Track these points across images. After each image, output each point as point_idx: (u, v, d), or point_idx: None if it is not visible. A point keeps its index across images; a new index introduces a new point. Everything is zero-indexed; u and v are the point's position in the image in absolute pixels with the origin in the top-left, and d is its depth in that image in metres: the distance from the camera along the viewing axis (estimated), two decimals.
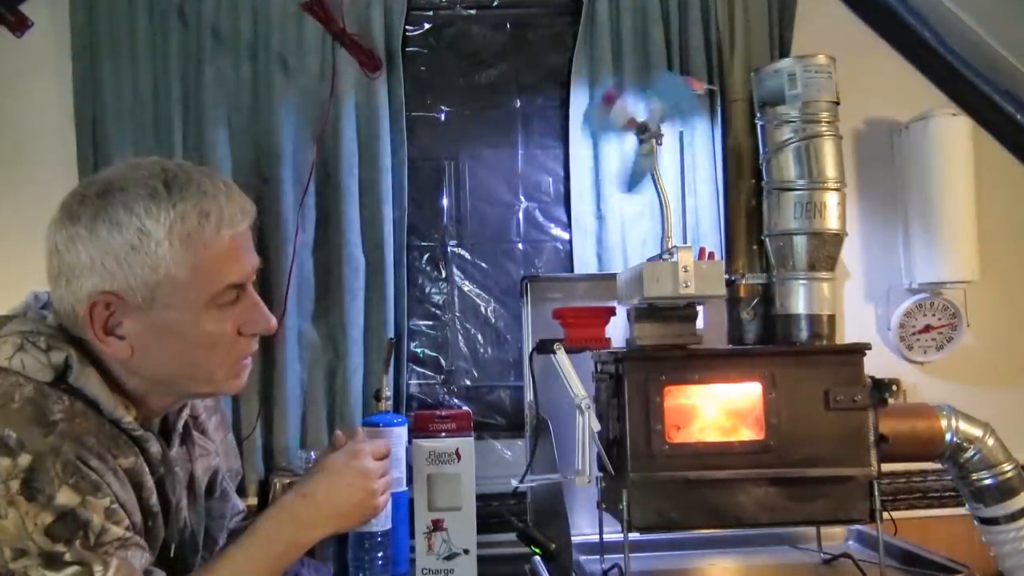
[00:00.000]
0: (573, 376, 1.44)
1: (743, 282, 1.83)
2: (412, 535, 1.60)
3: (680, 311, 1.54)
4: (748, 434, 1.49)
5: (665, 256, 1.54)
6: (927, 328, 1.99)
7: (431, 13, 2.03)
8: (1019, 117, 2.02)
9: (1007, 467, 1.61)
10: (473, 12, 2.04)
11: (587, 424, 1.40)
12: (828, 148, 1.66)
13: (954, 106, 2.00)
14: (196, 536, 1.13)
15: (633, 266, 1.59)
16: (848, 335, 1.96)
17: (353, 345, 1.83)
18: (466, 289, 2.04)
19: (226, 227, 0.99)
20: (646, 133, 1.82)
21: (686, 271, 1.43)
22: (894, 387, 1.50)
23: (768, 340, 1.77)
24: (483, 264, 2.04)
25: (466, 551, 1.58)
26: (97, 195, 0.97)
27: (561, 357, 1.46)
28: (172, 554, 1.07)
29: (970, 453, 1.60)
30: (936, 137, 1.92)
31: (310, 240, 1.86)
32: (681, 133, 1.83)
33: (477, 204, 2.05)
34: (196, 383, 1.03)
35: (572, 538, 1.45)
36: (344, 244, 1.84)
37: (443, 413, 1.65)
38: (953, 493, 1.87)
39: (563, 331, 1.59)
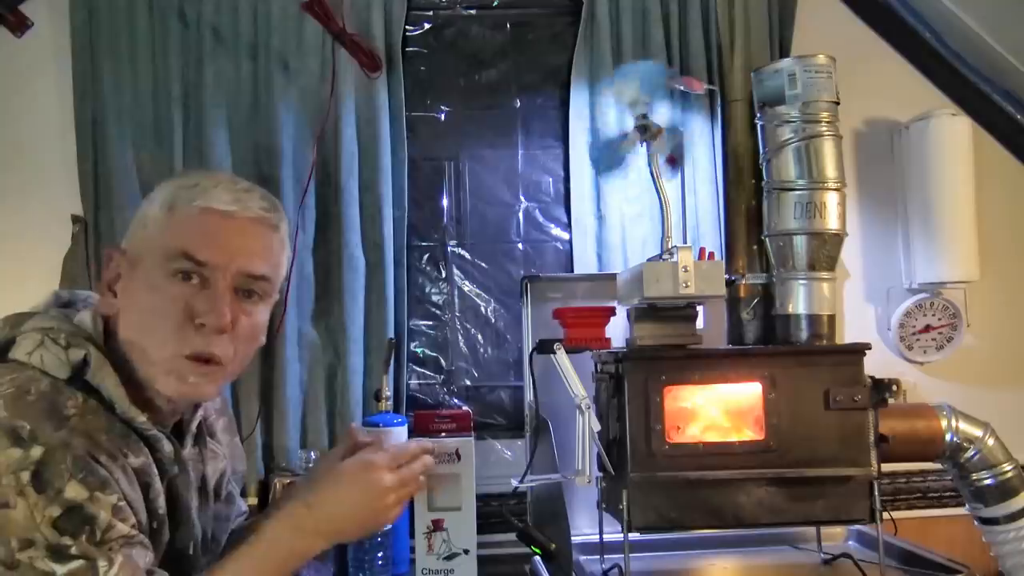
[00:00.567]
0: (573, 376, 1.44)
1: (743, 282, 1.83)
2: (412, 535, 1.60)
3: (680, 311, 1.53)
4: (748, 434, 1.49)
5: (665, 256, 1.54)
6: (927, 328, 1.99)
7: (431, 13, 2.03)
8: (1019, 117, 2.02)
9: (1007, 467, 1.61)
10: (473, 12, 2.04)
11: (587, 424, 1.40)
12: (828, 148, 1.66)
13: (954, 106, 2.00)
14: (207, 537, 1.13)
15: (633, 266, 1.59)
16: (848, 335, 1.96)
17: (353, 345, 1.83)
18: (466, 289, 2.04)
19: (202, 200, 1.02)
20: (647, 132, 1.82)
21: (686, 271, 1.43)
22: (894, 387, 1.50)
23: (768, 340, 1.77)
24: (483, 264, 2.04)
25: (466, 551, 1.58)
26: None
27: (561, 357, 1.46)
28: (191, 552, 1.07)
29: (970, 453, 1.60)
30: (936, 137, 1.92)
31: (310, 240, 1.86)
32: (681, 133, 1.83)
33: (477, 204, 2.05)
34: (143, 362, 1.00)
35: (572, 538, 1.45)
36: (344, 244, 1.84)
37: (443, 413, 1.65)
38: (953, 493, 1.88)
39: (563, 331, 1.59)
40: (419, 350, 2.02)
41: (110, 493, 0.91)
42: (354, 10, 1.88)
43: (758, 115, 1.75)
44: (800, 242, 1.66)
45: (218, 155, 1.80)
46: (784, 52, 1.91)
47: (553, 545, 1.42)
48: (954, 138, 1.93)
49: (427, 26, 2.03)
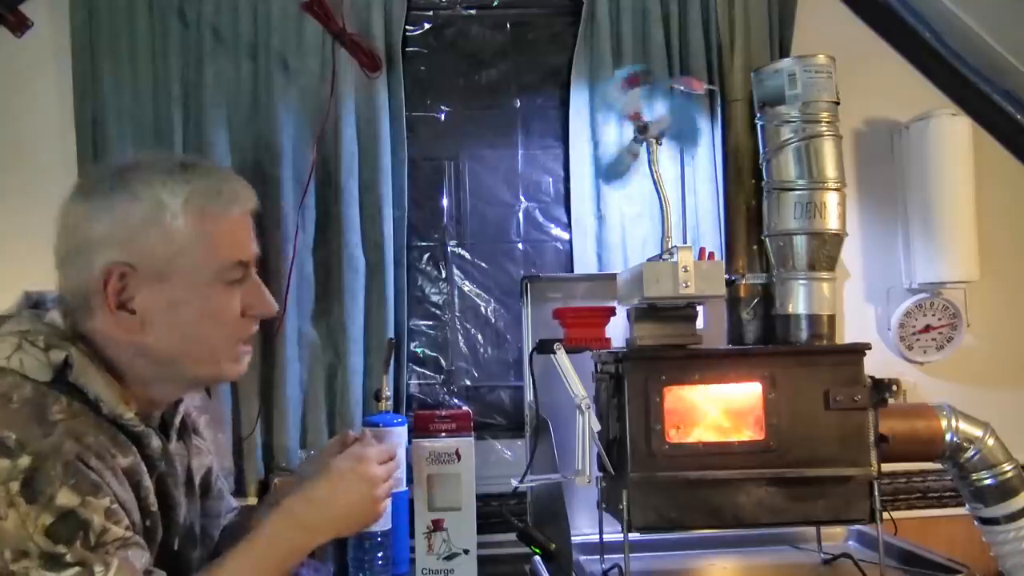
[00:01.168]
0: (573, 376, 1.44)
1: (743, 282, 1.83)
2: (412, 535, 1.60)
3: (680, 311, 1.53)
4: (748, 434, 1.49)
5: (665, 256, 1.54)
6: (927, 328, 1.99)
7: (431, 13, 2.03)
8: (1019, 117, 2.02)
9: (1007, 467, 1.61)
10: (473, 12, 2.04)
11: (587, 424, 1.40)
12: (828, 148, 1.66)
13: (954, 106, 2.00)
14: (194, 531, 1.13)
15: (633, 266, 1.59)
16: (848, 335, 1.96)
17: (353, 345, 1.83)
18: (466, 289, 2.04)
19: (236, 204, 1.04)
20: (645, 133, 1.82)
21: (686, 271, 1.43)
22: (894, 387, 1.50)
23: (768, 340, 1.77)
24: (483, 264, 2.04)
25: (466, 551, 1.58)
26: (113, 175, 1.01)
27: (561, 357, 1.46)
28: (176, 548, 1.07)
29: (970, 453, 1.60)
30: (936, 137, 1.92)
31: (310, 240, 1.86)
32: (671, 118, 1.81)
33: (477, 204, 2.05)
34: (200, 363, 1.04)
35: (572, 538, 1.45)
36: (344, 244, 1.84)
37: (443, 413, 1.65)
38: (953, 493, 1.88)
39: (563, 331, 1.59)
40: (419, 350, 2.02)
41: (102, 497, 0.90)
42: (354, 10, 1.88)
43: (758, 115, 1.76)
44: (800, 242, 1.66)
45: (218, 155, 1.80)
46: (784, 52, 1.91)
47: (553, 545, 1.42)
48: (954, 138, 1.92)
49: (427, 26, 2.03)
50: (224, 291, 1.03)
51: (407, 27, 1.96)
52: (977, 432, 1.60)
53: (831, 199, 1.65)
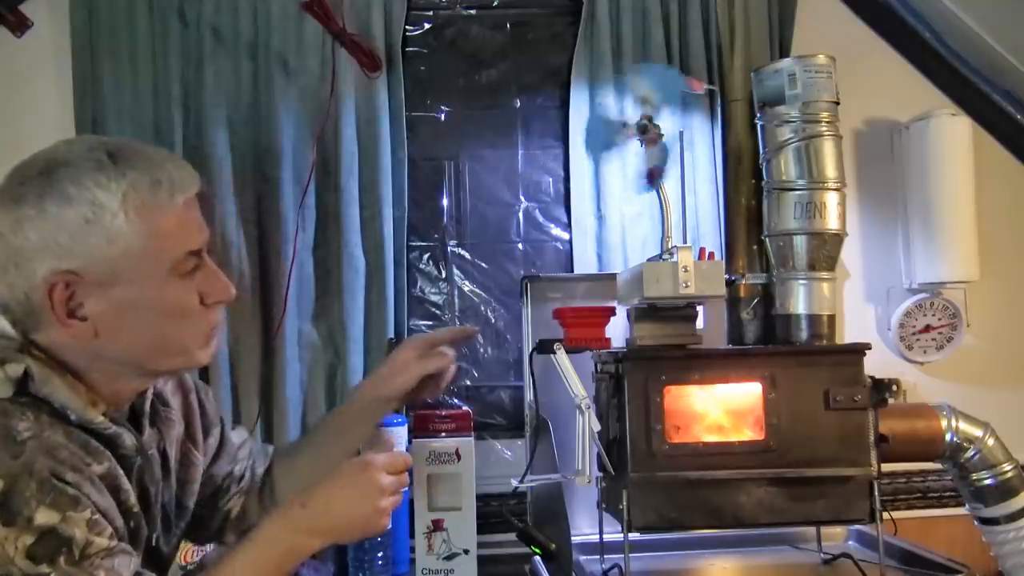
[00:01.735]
0: (573, 376, 1.44)
1: (743, 282, 1.83)
2: (412, 535, 1.60)
3: (680, 311, 1.53)
4: (748, 434, 1.49)
5: (665, 256, 1.54)
6: (927, 328, 1.99)
7: (431, 13, 2.03)
8: (1019, 117, 2.02)
9: (1007, 467, 1.61)
10: (473, 12, 2.04)
11: (587, 424, 1.40)
12: (828, 148, 1.66)
13: (954, 106, 2.00)
14: (169, 513, 1.12)
15: (633, 266, 1.59)
16: (848, 335, 1.96)
17: (353, 345, 1.83)
18: (466, 289, 2.04)
19: (178, 192, 0.98)
20: (646, 132, 1.83)
21: (686, 271, 1.43)
22: (894, 387, 1.50)
23: (768, 340, 1.77)
24: (483, 264, 2.04)
25: (466, 551, 1.58)
26: (39, 174, 0.93)
27: (561, 357, 1.46)
28: (154, 542, 1.06)
29: (970, 453, 1.60)
30: (936, 137, 1.92)
31: (310, 240, 1.85)
32: (681, 133, 1.83)
33: (477, 204, 2.05)
34: (168, 357, 1.01)
35: (572, 538, 1.45)
36: (344, 244, 1.84)
37: (443, 413, 1.65)
38: (953, 493, 1.88)
39: (563, 331, 1.59)
40: None
41: (82, 509, 0.88)
42: (354, 10, 1.88)
43: (758, 115, 1.76)
44: (800, 242, 1.66)
45: (218, 155, 1.80)
46: (784, 52, 1.91)
47: (553, 545, 1.42)
48: (954, 138, 1.92)
49: (427, 26, 2.03)
50: (179, 285, 0.99)
51: (407, 27, 1.96)
52: (977, 432, 1.60)
53: (831, 199, 1.65)
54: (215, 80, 1.83)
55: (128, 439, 1.00)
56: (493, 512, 1.71)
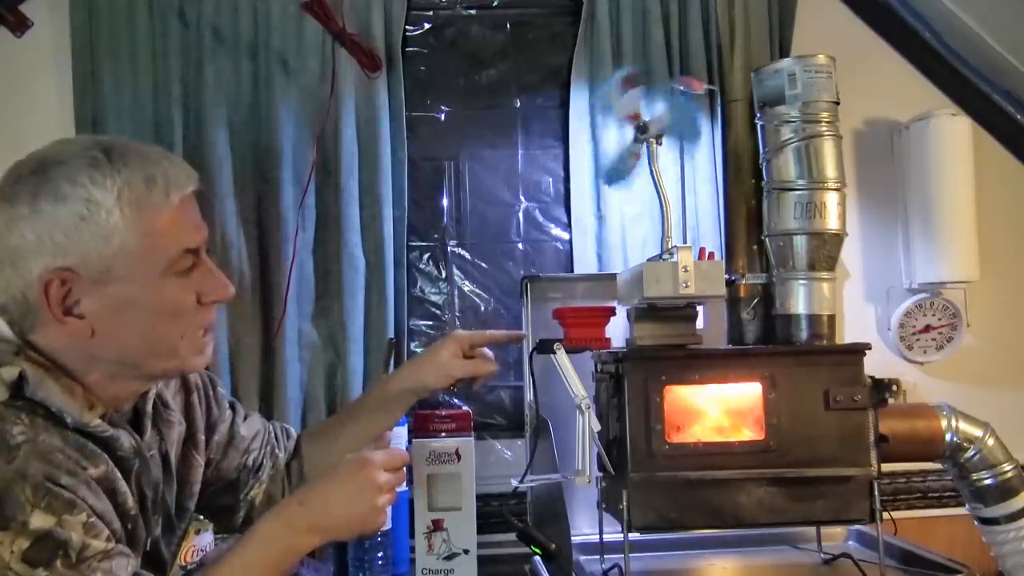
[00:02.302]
0: (573, 376, 1.44)
1: (743, 282, 1.83)
2: (412, 535, 1.60)
3: (680, 311, 1.54)
4: (748, 434, 1.49)
5: (665, 256, 1.54)
6: (927, 328, 1.99)
7: (431, 13, 2.03)
8: (1019, 117, 2.02)
9: (1007, 467, 1.61)
10: (473, 12, 2.04)
11: (587, 424, 1.40)
12: (828, 148, 1.66)
13: (954, 106, 2.00)
14: (171, 514, 1.12)
15: (633, 266, 1.59)
16: (848, 335, 1.96)
17: (353, 345, 1.83)
18: (466, 289, 2.04)
19: (174, 190, 0.98)
20: (645, 134, 1.82)
21: (686, 271, 1.43)
22: (894, 387, 1.50)
23: (768, 340, 1.77)
24: (483, 264, 2.04)
25: (466, 551, 1.58)
26: (33, 172, 0.94)
27: (561, 357, 1.46)
28: (148, 547, 1.06)
29: (970, 453, 1.60)
30: (936, 137, 1.92)
31: (310, 240, 1.85)
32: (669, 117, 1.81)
33: (477, 204, 2.05)
34: (160, 359, 1.00)
35: (572, 538, 1.45)
36: (344, 244, 1.84)
37: (443, 413, 1.65)
38: (953, 493, 1.88)
39: (563, 331, 1.59)
40: (419, 350, 2.01)
41: (78, 513, 0.88)
42: (354, 10, 1.88)
43: (758, 115, 1.75)
44: (800, 242, 1.66)
45: (218, 155, 1.80)
46: (784, 52, 1.91)
47: (553, 545, 1.42)
48: (954, 138, 1.92)
49: (427, 26, 2.03)
50: (175, 283, 0.99)
51: (407, 27, 1.96)
52: (977, 432, 1.60)
53: (831, 199, 1.65)
54: (215, 80, 1.83)
55: (126, 441, 0.99)
56: (493, 512, 1.71)
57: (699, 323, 1.55)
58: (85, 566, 0.87)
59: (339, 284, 1.84)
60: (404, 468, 1.16)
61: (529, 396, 1.72)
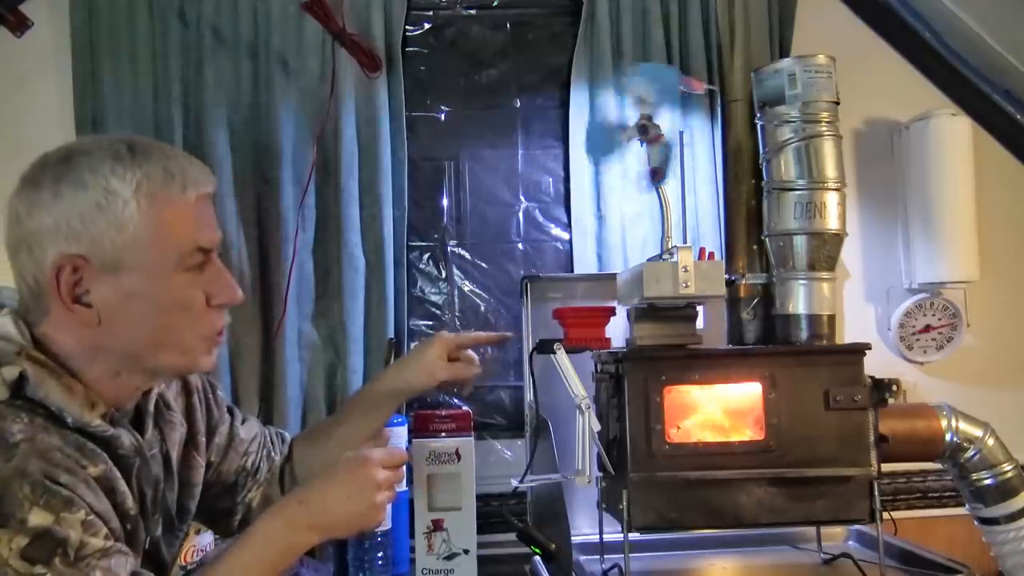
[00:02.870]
0: (573, 376, 1.44)
1: (743, 282, 1.83)
2: (412, 535, 1.60)
3: (680, 311, 1.54)
4: (748, 434, 1.49)
5: (665, 256, 1.54)
6: (927, 328, 1.99)
7: (431, 13, 2.03)
8: (1019, 117, 2.02)
9: (1007, 467, 1.61)
10: (473, 12, 2.04)
11: (587, 424, 1.40)
12: (828, 148, 1.66)
13: (954, 106, 2.00)
14: (171, 515, 1.12)
15: (633, 266, 1.59)
16: (848, 335, 1.96)
17: (353, 345, 1.83)
18: (466, 289, 2.04)
19: (191, 187, 0.99)
20: (647, 133, 1.83)
21: (686, 271, 1.43)
22: (894, 387, 1.50)
23: (768, 340, 1.77)
24: (483, 264, 2.04)
25: (466, 551, 1.58)
26: (59, 161, 0.97)
27: (561, 357, 1.46)
28: (147, 547, 1.06)
29: (970, 453, 1.60)
30: (936, 137, 1.92)
31: (310, 240, 1.85)
32: (681, 133, 1.83)
33: (477, 204, 2.05)
34: (168, 352, 1.00)
35: (572, 538, 1.45)
36: (344, 244, 1.84)
37: (443, 413, 1.65)
38: (953, 493, 1.88)
39: (563, 331, 1.59)
40: None
41: (76, 511, 0.88)
42: (354, 10, 1.88)
43: (758, 115, 1.76)
44: (800, 242, 1.66)
45: (218, 155, 1.80)
46: (784, 52, 1.91)
47: (553, 545, 1.42)
48: (954, 138, 1.93)
49: (427, 26, 2.03)
50: (185, 278, 0.99)
51: (407, 27, 1.96)
52: (977, 432, 1.60)
53: (831, 199, 1.65)
54: (215, 80, 1.83)
55: (127, 440, 1.00)
56: (493, 512, 1.71)
57: (699, 323, 1.56)
58: (83, 564, 0.87)
59: (339, 284, 1.84)
60: (403, 466, 1.16)
61: (529, 396, 1.72)
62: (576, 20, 1.96)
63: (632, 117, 1.86)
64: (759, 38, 1.91)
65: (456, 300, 2.03)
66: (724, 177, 1.91)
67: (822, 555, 1.62)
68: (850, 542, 1.73)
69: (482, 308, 2.04)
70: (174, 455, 1.13)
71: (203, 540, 1.58)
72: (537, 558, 1.53)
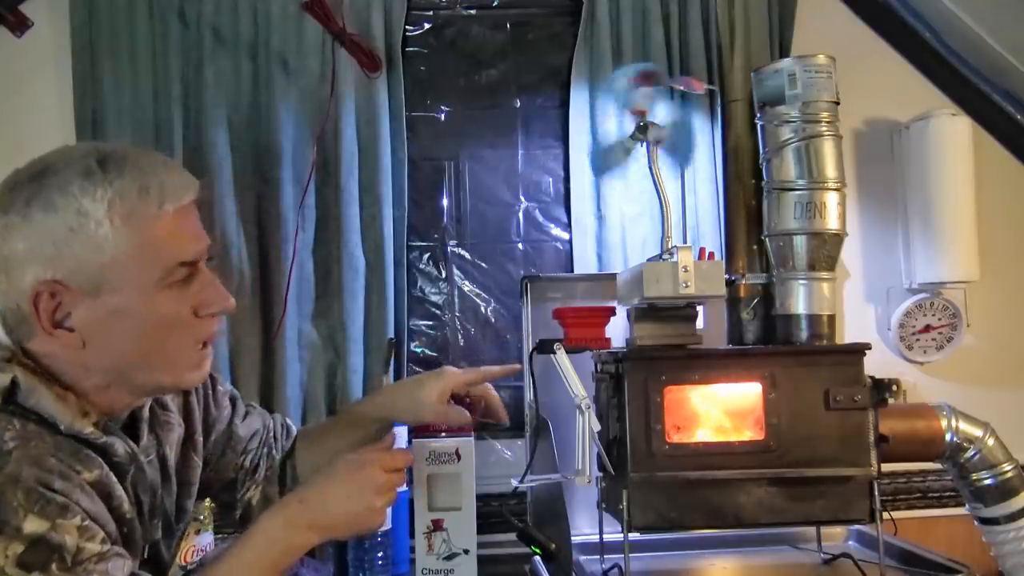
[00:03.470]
0: (573, 376, 1.44)
1: (743, 282, 1.83)
2: (412, 535, 1.60)
3: (680, 311, 1.53)
4: (748, 434, 1.49)
5: (665, 256, 1.54)
6: (927, 328, 1.99)
7: (431, 13, 2.03)
8: (1019, 117, 2.02)
9: (1007, 467, 1.61)
10: (473, 12, 2.04)
11: (587, 424, 1.40)
12: (828, 148, 1.66)
13: (954, 106, 2.00)
14: (170, 517, 1.12)
15: (633, 266, 1.59)
16: (848, 335, 1.96)
17: (353, 345, 1.83)
18: (466, 289, 2.04)
19: (169, 201, 0.95)
20: (645, 134, 1.83)
21: (686, 271, 1.43)
22: (894, 387, 1.50)
23: (768, 340, 1.77)
24: (483, 264, 2.04)
25: (466, 551, 1.58)
26: (29, 180, 0.93)
27: (561, 357, 1.46)
28: (146, 555, 1.06)
29: (970, 453, 1.60)
30: (936, 137, 1.92)
31: (310, 240, 1.85)
32: (682, 134, 1.83)
33: (477, 204, 2.05)
34: (154, 372, 0.99)
35: (572, 538, 1.45)
36: (344, 244, 1.84)
37: None
38: (953, 493, 1.88)
39: (563, 331, 1.59)
40: (419, 350, 2.02)
41: (72, 516, 0.88)
42: (354, 10, 1.88)
43: (758, 115, 1.75)
44: (800, 242, 1.66)
45: (218, 155, 1.80)
46: (784, 52, 1.91)
47: (553, 545, 1.42)
48: (954, 138, 1.92)
49: (427, 26, 2.03)
50: (169, 296, 0.96)
51: (407, 27, 1.96)
52: (977, 432, 1.60)
53: (831, 199, 1.65)
54: (215, 80, 1.83)
55: (120, 448, 0.99)
56: (493, 512, 1.71)
57: (699, 323, 1.55)
58: (81, 568, 0.87)
59: (339, 284, 1.84)
60: (405, 468, 1.15)
61: (529, 396, 1.72)
62: (576, 20, 1.96)
63: (630, 127, 1.87)
64: (759, 38, 1.91)
65: (456, 300, 2.03)
66: (724, 177, 1.91)
67: (822, 555, 1.61)
68: (850, 542, 1.73)
69: (482, 308, 2.04)
70: (172, 457, 1.12)
71: (203, 540, 1.58)
72: (537, 558, 1.53)
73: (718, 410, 1.52)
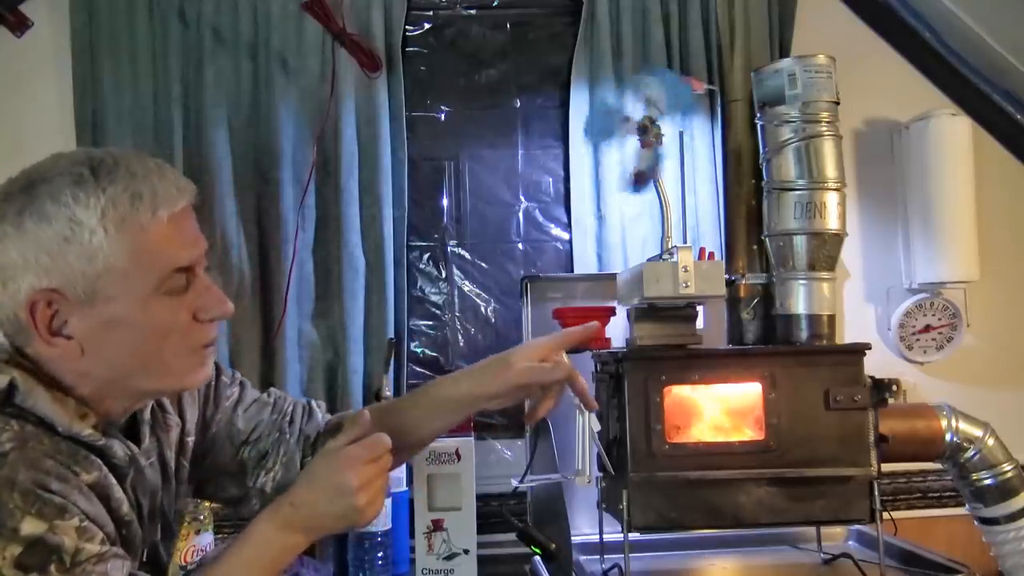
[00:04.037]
0: None
1: (743, 282, 1.83)
2: (412, 535, 1.60)
3: (680, 311, 1.53)
4: (748, 434, 1.49)
5: (665, 256, 1.54)
6: (927, 328, 1.99)
7: (431, 13, 2.03)
8: (1019, 117, 2.02)
9: (1007, 467, 1.61)
10: (473, 12, 2.04)
11: (587, 424, 1.40)
12: (828, 148, 1.66)
13: (954, 106, 2.00)
14: (169, 519, 1.11)
15: (633, 266, 1.59)
16: (848, 335, 1.96)
17: (353, 345, 1.83)
18: (466, 289, 2.04)
19: (162, 207, 0.94)
20: (646, 134, 1.83)
21: (686, 271, 1.43)
22: (894, 387, 1.50)
23: (768, 340, 1.77)
24: (483, 264, 2.04)
25: (466, 551, 1.58)
26: (21, 190, 0.92)
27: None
28: (145, 556, 1.05)
29: (970, 453, 1.60)
30: (936, 137, 1.92)
31: (310, 240, 1.85)
32: (681, 133, 1.83)
33: (477, 204, 2.05)
34: (153, 378, 0.99)
35: (572, 538, 1.45)
36: (344, 244, 1.84)
37: None
38: (953, 493, 1.87)
39: None
40: (419, 350, 2.02)
41: (70, 518, 0.87)
42: (354, 10, 1.88)
43: (758, 115, 1.76)
44: (800, 242, 1.66)
45: (218, 155, 1.80)
46: (784, 52, 1.91)
47: (553, 545, 1.42)
48: (954, 138, 1.92)
49: (427, 26, 2.03)
50: (165, 303, 0.96)
51: (407, 27, 1.96)
52: (977, 432, 1.60)
53: (831, 199, 1.65)
54: (215, 80, 1.83)
55: (120, 451, 0.98)
56: (493, 512, 1.71)
57: (699, 323, 1.55)
58: (80, 570, 0.87)
59: (339, 284, 1.84)
60: (387, 453, 1.09)
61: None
62: (576, 20, 1.96)
63: (636, 111, 1.86)
64: (759, 38, 1.92)
65: (456, 300, 2.03)
66: (724, 177, 1.91)
67: (822, 555, 1.62)
68: (850, 542, 1.73)
69: (482, 308, 2.04)
70: (171, 457, 1.12)
71: (203, 540, 1.58)
72: (537, 558, 1.53)
73: (718, 410, 1.52)
